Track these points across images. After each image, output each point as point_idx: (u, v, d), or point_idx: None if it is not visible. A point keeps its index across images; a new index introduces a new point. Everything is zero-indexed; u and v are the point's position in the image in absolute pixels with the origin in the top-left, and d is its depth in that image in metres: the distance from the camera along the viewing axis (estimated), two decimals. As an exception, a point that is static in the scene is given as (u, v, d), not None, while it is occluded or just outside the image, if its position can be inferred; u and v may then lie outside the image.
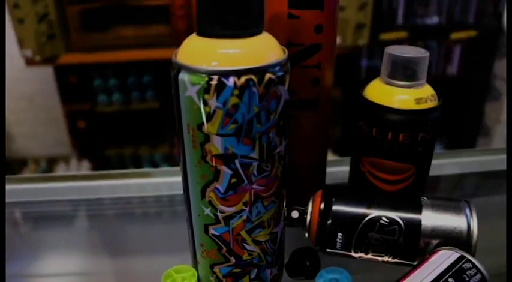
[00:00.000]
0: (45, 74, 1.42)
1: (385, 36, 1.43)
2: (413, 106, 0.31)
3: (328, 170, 0.42)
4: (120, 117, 1.47)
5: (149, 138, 1.56)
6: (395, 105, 0.31)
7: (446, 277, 0.25)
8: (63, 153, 1.56)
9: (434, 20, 1.43)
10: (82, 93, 1.45)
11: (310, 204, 0.31)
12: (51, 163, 1.58)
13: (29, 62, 1.36)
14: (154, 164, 1.58)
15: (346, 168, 0.38)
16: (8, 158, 1.54)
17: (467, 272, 0.25)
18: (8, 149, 1.54)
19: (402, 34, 1.44)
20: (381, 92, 0.32)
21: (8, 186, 0.46)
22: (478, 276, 0.25)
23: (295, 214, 0.32)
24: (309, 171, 0.34)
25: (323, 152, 0.35)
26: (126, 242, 0.40)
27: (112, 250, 0.38)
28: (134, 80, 1.45)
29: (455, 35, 1.44)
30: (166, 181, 0.45)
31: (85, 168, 1.54)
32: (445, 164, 0.53)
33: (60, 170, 1.55)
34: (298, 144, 0.32)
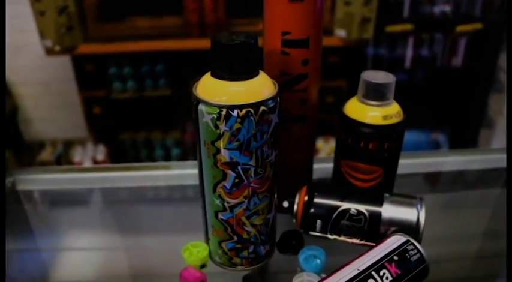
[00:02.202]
0: (64, 62, 1.48)
1: (391, 28, 1.47)
2: (380, 122, 0.39)
3: (319, 166, 0.51)
4: (134, 103, 1.52)
5: (161, 124, 1.62)
6: (366, 121, 0.39)
7: (392, 255, 0.33)
8: (79, 136, 1.63)
9: (441, 8, 1.44)
10: (98, 80, 1.50)
11: (297, 196, 0.40)
12: (67, 146, 1.66)
13: (49, 51, 1.42)
14: (166, 148, 1.65)
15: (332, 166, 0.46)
16: (26, 141, 1.63)
17: (409, 252, 0.34)
18: (26, 132, 1.63)
19: (408, 26, 1.48)
20: (356, 109, 0.40)
21: (38, 176, 0.54)
22: (418, 255, 0.34)
23: (285, 204, 0.41)
24: (298, 170, 0.43)
25: (310, 156, 0.43)
26: (152, 224, 0.48)
27: (142, 230, 0.47)
28: (148, 68, 1.50)
29: (461, 28, 1.47)
30: (182, 173, 0.54)
31: (100, 151, 1.63)
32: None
33: (77, 153, 1.63)
34: (290, 149, 0.41)
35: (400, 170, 0.43)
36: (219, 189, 0.33)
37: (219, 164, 0.31)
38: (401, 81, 1.51)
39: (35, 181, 0.53)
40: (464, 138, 1.65)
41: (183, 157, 1.64)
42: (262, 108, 0.30)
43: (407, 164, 0.56)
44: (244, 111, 0.29)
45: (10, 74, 1.47)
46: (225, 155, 0.31)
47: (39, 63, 1.48)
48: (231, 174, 0.32)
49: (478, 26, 1.46)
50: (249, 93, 0.29)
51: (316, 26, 0.35)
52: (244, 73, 0.30)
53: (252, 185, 0.33)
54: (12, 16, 1.32)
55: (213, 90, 0.30)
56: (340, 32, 1.43)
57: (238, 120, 0.29)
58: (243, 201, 0.33)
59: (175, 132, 1.65)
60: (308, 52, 0.36)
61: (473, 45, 1.49)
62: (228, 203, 0.33)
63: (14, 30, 1.37)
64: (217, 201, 0.34)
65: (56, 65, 1.49)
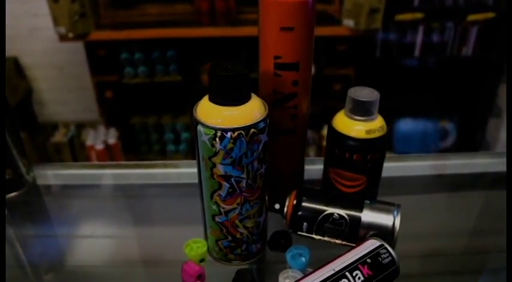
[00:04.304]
0: (76, 47, 1.52)
1: (401, 17, 1.47)
2: (364, 135, 0.43)
3: (312, 167, 0.55)
4: (144, 88, 1.55)
5: (171, 109, 1.66)
6: (351, 134, 0.43)
7: (366, 257, 0.37)
8: (91, 119, 1.69)
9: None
10: (110, 65, 1.54)
11: (287, 200, 0.44)
12: (79, 128, 1.72)
13: (62, 38, 1.46)
14: (176, 132, 1.70)
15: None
16: (40, 122, 1.69)
17: (382, 255, 0.38)
18: (40, 113, 1.68)
19: (418, 15, 1.48)
20: (342, 123, 0.44)
21: (57, 171, 0.60)
22: (389, 258, 0.38)
23: (277, 206, 0.45)
24: (289, 175, 0.47)
25: (299, 163, 0.48)
26: (159, 218, 0.53)
27: (149, 223, 0.52)
28: (158, 54, 1.54)
29: (472, 17, 1.47)
30: (189, 172, 0.59)
31: (112, 135, 1.68)
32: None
33: (89, 136, 1.69)
34: (281, 157, 0.45)
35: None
36: (215, 197, 0.38)
37: (215, 176, 0.36)
38: (411, 68, 1.52)
39: (54, 176, 0.58)
40: (473, 127, 1.65)
41: (192, 141, 1.68)
42: (252, 130, 0.34)
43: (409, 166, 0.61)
44: (236, 133, 0.33)
45: (24, 57, 1.52)
46: (220, 169, 0.35)
47: (52, 47, 1.51)
48: (225, 185, 0.36)
49: (489, 15, 1.45)
50: (241, 117, 0.34)
51: (305, 51, 0.39)
52: (237, 100, 0.34)
53: (243, 194, 0.37)
54: (25, 0, 1.36)
55: (209, 113, 0.34)
56: (348, 22, 1.44)
57: (231, 141, 0.33)
58: (236, 207, 0.38)
59: (184, 117, 1.68)
60: (298, 74, 0.40)
61: (484, 34, 1.48)
62: (223, 208, 0.38)
63: (27, 15, 1.41)
64: (214, 207, 0.38)
65: (69, 49, 1.52)
